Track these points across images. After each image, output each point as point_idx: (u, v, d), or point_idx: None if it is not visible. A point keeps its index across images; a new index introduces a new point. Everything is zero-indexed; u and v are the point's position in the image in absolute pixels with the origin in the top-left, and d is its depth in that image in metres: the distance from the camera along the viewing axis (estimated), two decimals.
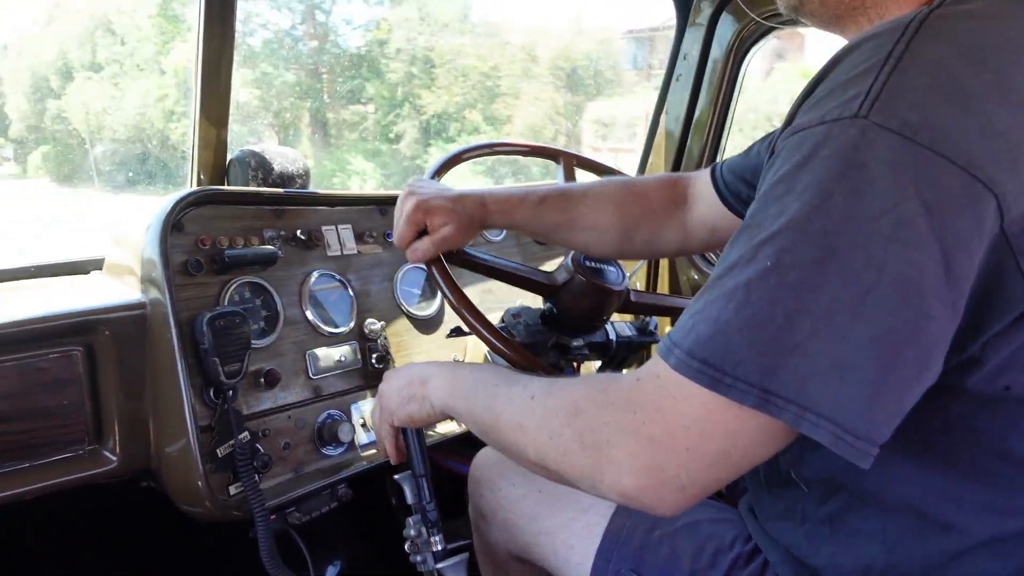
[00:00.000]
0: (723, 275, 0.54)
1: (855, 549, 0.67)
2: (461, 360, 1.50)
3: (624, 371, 1.77)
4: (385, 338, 1.34)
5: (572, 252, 1.11)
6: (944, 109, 0.49)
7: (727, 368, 0.51)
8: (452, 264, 1.04)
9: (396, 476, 1.03)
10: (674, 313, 1.18)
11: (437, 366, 0.89)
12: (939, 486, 0.60)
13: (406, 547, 1.00)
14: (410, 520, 1.00)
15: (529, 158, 1.42)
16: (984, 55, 0.52)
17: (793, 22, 1.69)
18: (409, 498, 1.01)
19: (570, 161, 1.37)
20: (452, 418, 0.87)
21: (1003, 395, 0.55)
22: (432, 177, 1.11)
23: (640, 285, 1.93)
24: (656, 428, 0.56)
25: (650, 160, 1.95)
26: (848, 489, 0.66)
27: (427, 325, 1.46)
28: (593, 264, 1.10)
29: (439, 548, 0.98)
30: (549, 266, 1.69)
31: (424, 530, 0.99)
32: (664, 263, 1.95)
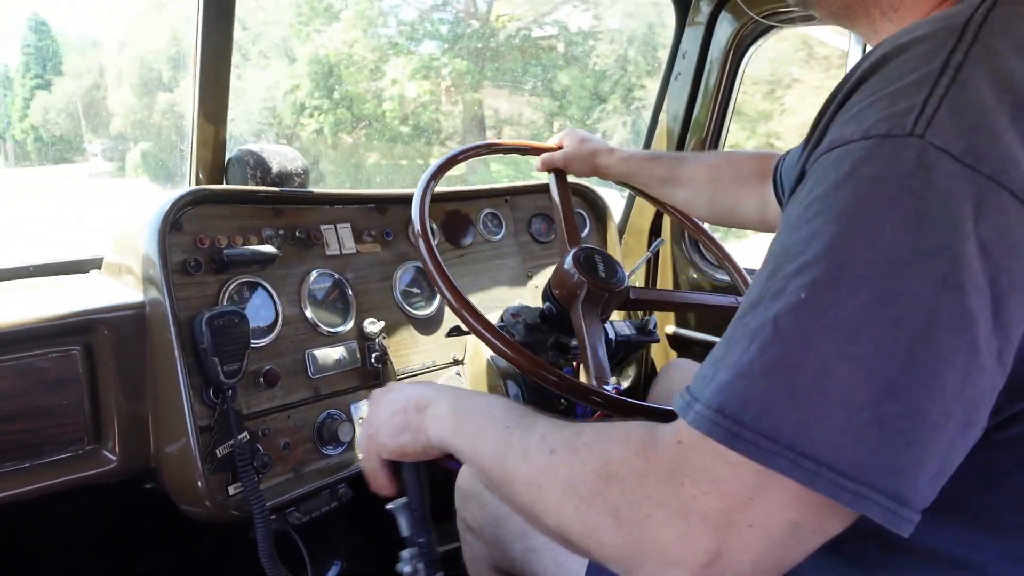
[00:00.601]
0: (746, 313, 0.48)
1: None
2: (461, 360, 1.49)
3: (627, 373, 1.77)
4: (384, 338, 1.34)
5: (574, 249, 1.11)
6: (1011, 134, 0.44)
7: (745, 420, 0.44)
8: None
9: (389, 506, 0.90)
10: (674, 308, 1.19)
11: (437, 390, 0.77)
12: (952, 531, 0.55)
13: None
14: (404, 554, 0.88)
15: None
16: None
17: (791, 21, 1.70)
18: (404, 530, 0.89)
19: None
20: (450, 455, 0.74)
21: None
22: (429, 180, 1.11)
23: (640, 284, 1.93)
24: (711, 503, 0.46)
25: None
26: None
27: (426, 324, 1.46)
28: (589, 260, 1.10)
29: None
30: (549, 266, 1.70)
31: (422, 569, 0.86)
32: (664, 263, 1.95)
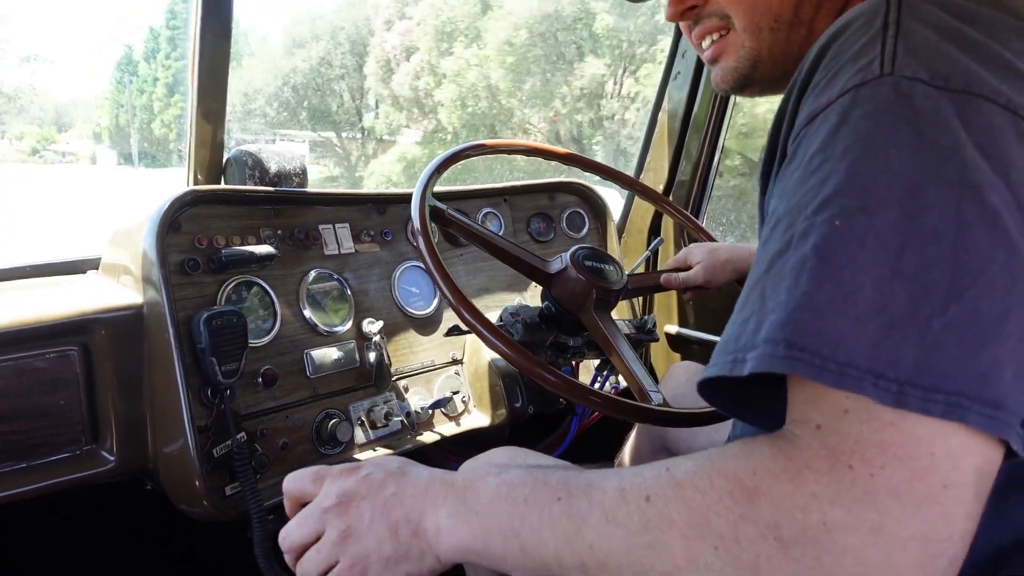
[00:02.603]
0: (773, 262, 0.46)
1: None
2: (460, 360, 1.49)
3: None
4: (383, 337, 1.34)
5: (573, 248, 1.11)
6: (964, 58, 0.48)
7: (827, 351, 0.41)
8: (450, 229, 1.10)
9: None
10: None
11: (417, 493, 0.59)
12: None
13: None
14: None
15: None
16: (971, 8, 0.51)
17: None
18: None
19: (568, 161, 1.37)
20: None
21: None
22: (430, 176, 1.11)
23: None
24: (895, 473, 0.39)
25: (648, 159, 1.95)
26: None
27: (425, 324, 1.46)
28: (591, 263, 1.10)
29: None
30: None
31: None
32: (664, 262, 1.94)
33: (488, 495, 0.55)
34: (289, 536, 0.63)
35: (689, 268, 1.31)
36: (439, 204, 1.07)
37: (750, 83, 0.70)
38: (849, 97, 0.48)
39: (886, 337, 0.41)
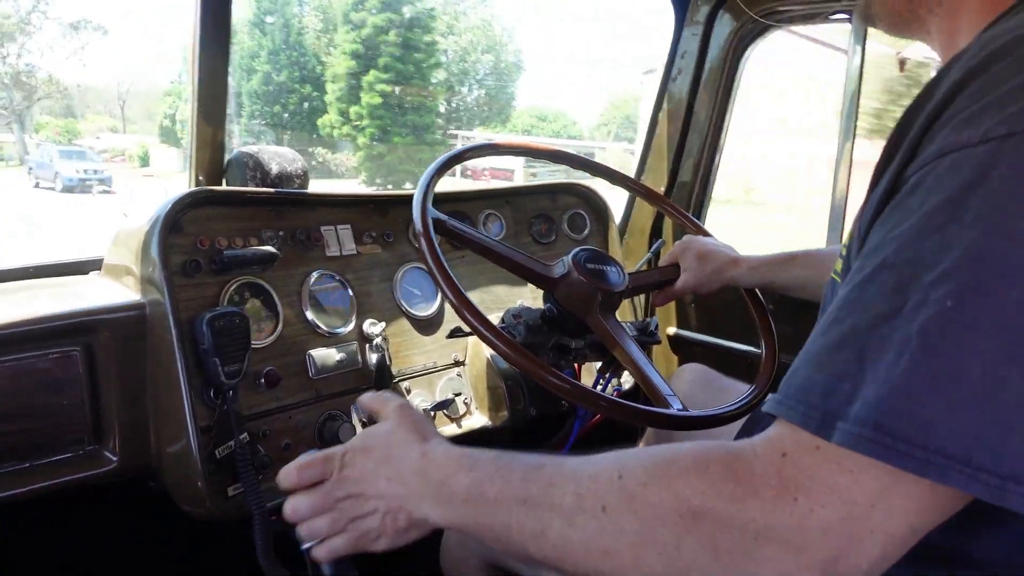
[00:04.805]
0: (876, 325, 0.44)
1: None
2: (462, 361, 1.49)
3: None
4: (385, 339, 1.34)
5: (573, 251, 1.11)
6: None
7: (913, 437, 0.41)
8: (451, 240, 1.11)
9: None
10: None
11: (408, 479, 0.67)
12: None
13: None
14: None
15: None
16: None
17: (790, 20, 1.70)
18: None
19: (568, 162, 1.37)
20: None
21: None
22: (432, 177, 1.11)
23: None
24: (832, 513, 0.43)
25: (649, 159, 1.95)
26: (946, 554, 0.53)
27: (427, 325, 1.46)
28: (594, 265, 1.10)
29: None
30: None
31: None
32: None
33: (461, 493, 0.61)
34: (298, 511, 0.75)
35: (678, 266, 1.30)
36: (440, 215, 1.06)
37: (871, 21, 0.71)
38: (992, 148, 0.42)
39: (990, 426, 0.40)
